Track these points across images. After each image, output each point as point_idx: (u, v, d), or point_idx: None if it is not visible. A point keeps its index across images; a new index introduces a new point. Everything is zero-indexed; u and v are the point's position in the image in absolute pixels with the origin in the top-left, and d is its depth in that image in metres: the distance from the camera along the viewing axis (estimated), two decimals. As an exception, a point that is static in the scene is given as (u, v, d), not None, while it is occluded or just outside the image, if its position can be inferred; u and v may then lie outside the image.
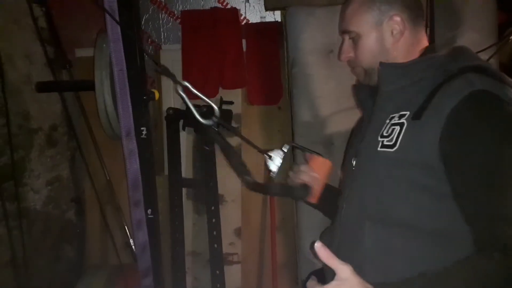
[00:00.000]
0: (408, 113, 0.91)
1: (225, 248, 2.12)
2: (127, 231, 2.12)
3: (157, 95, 1.31)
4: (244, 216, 2.25)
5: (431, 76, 0.93)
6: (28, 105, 2.06)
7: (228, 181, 2.22)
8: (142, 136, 1.25)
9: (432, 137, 0.84)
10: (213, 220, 1.99)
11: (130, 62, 1.15)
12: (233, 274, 2.21)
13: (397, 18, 0.99)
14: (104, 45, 1.51)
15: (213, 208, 2.00)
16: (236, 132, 1.10)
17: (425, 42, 1.05)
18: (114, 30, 1.09)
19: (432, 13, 1.60)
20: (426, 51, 1.03)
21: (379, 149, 0.93)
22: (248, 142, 1.17)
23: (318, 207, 1.28)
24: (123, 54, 1.11)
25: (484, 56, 1.52)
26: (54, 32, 2.19)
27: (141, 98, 1.26)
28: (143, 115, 1.26)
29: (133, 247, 2.05)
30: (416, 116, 0.88)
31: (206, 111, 1.11)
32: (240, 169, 1.07)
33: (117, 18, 1.08)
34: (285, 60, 2.17)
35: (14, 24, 2.01)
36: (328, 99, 1.90)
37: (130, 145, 1.15)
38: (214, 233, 1.98)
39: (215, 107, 1.07)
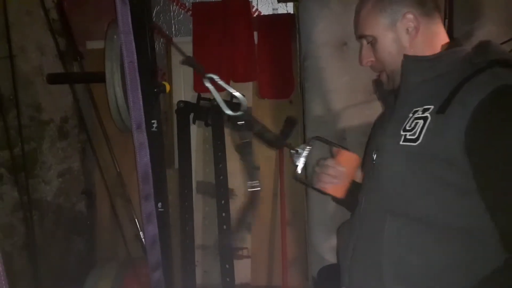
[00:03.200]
0: (432, 107, 0.89)
1: (235, 242, 2.12)
2: (137, 224, 2.12)
3: (168, 87, 1.30)
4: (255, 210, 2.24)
5: (457, 70, 0.92)
6: (39, 97, 2.07)
7: (238, 175, 2.20)
8: (152, 129, 1.24)
9: (457, 132, 0.82)
10: (223, 214, 1.98)
11: (141, 54, 1.13)
12: (242, 268, 2.20)
13: (410, 16, 0.99)
14: (115, 36, 1.49)
15: (223, 202, 1.99)
16: (261, 126, 1.08)
17: (443, 35, 1.03)
18: (125, 22, 1.07)
19: (451, 6, 1.56)
20: (450, 45, 1.01)
21: (401, 143, 0.92)
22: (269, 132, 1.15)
23: (345, 204, 1.25)
24: (134, 45, 1.10)
25: (505, 49, 1.48)
26: (66, 24, 2.19)
27: (152, 91, 1.25)
28: (154, 107, 1.24)
29: (143, 240, 2.06)
30: (440, 110, 0.86)
31: (234, 104, 1.07)
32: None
33: (129, 10, 1.06)
34: (297, 53, 2.14)
35: (26, 15, 2.01)
36: (341, 93, 1.87)
37: (141, 138, 1.14)
38: (224, 227, 1.97)
39: (242, 98, 1.05)
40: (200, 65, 1.04)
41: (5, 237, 1.85)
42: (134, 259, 2.09)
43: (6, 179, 1.86)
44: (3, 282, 0.61)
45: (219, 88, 1.06)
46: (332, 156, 1.18)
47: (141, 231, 2.08)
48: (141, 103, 1.13)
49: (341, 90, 1.87)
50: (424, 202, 0.89)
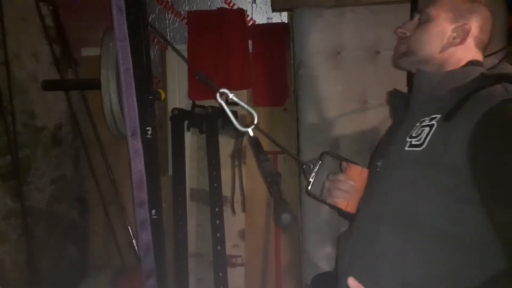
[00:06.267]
0: (439, 116, 0.91)
1: (229, 250, 2.11)
2: (131, 231, 2.11)
3: (163, 95, 1.30)
4: (248, 218, 2.24)
5: (468, 85, 0.94)
6: (33, 103, 2.07)
7: (232, 182, 2.20)
8: (147, 136, 1.24)
9: (461, 140, 0.84)
10: (217, 222, 1.98)
11: (136, 62, 1.14)
12: (236, 276, 2.20)
13: (467, 27, 1.01)
14: (111, 44, 1.50)
15: (217, 209, 1.99)
16: (274, 141, 1.05)
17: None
18: (120, 29, 1.08)
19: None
20: (467, 63, 1.02)
21: (406, 148, 0.93)
22: (286, 150, 1.14)
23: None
24: (129, 53, 1.10)
25: (493, 60, 1.51)
26: (61, 31, 2.19)
27: (147, 98, 1.26)
28: (149, 115, 1.25)
29: (136, 247, 2.05)
30: (447, 118, 0.88)
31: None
32: (272, 178, 1.00)
33: (125, 18, 1.08)
34: (291, 61, 2.16)
35: (22, 22, 2.02)
36: (334, 101, 1.89)
37: (135, 145, 1.14)
38: (218, 234, 1.97)
39: (255, 114, 1.01)
40: (212, 80, 1.02)
41: (-3, 244, 1.84)
42: (128, 266, 2.08)
43: (-1, 186, 1.85)
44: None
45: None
46: (342, 170, 1.17)
47: (134, 238, 2.08)
48: (136, 110, 1.13)
49: (335, 99, 1.89)
50: (425, 207, 0.89)
